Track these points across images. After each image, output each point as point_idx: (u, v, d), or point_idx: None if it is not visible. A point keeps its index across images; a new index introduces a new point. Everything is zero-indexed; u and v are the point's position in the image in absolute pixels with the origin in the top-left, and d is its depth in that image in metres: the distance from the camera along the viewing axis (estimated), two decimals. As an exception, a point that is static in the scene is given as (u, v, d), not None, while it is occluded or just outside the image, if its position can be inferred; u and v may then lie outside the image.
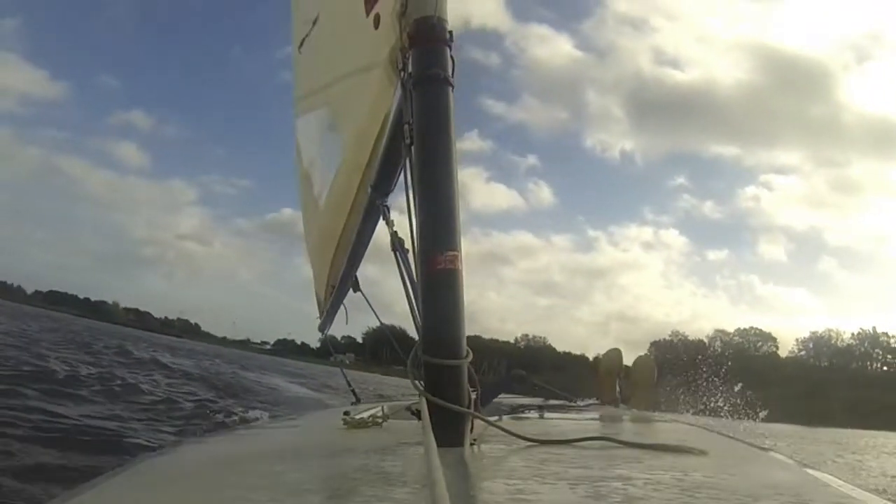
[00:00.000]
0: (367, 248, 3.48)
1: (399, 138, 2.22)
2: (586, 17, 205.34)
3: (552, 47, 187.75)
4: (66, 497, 1.54)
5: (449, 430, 1.66)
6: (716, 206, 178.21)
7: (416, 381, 1.80)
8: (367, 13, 2.48)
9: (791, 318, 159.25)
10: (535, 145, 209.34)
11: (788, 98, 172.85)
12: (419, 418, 1.61)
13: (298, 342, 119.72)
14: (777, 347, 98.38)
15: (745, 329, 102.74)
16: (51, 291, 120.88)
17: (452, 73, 2.05)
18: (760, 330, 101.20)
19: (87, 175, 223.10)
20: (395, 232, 2.37)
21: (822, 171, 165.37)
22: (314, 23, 3.43)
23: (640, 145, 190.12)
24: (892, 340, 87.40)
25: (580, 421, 3.08)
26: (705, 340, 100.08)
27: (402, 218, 2.18)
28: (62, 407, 7.45)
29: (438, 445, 1.22)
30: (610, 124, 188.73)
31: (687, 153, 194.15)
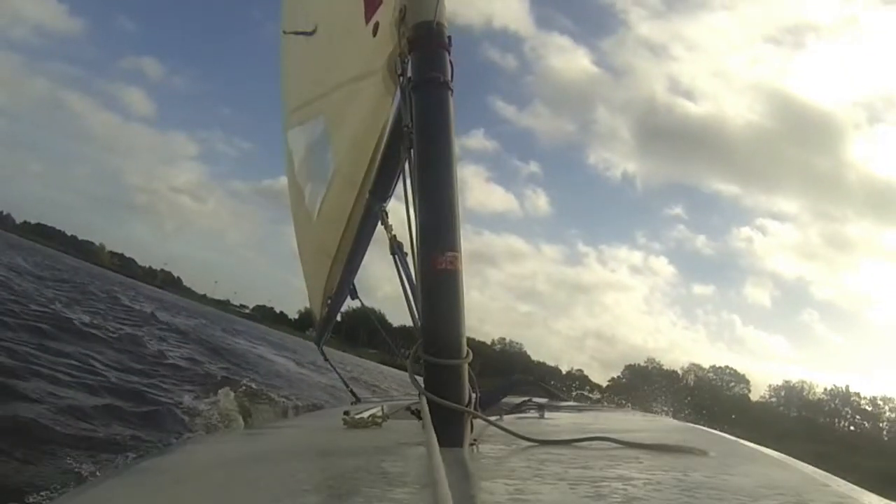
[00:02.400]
0: (364, 255, 3.43)
1: (397, 143, 2.23)
2: (608, 35, 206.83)
3: (570, 59, 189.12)
4: (67, 496, 1.53)
5: (449, 430, 1.66)
6: (708, 241, 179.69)
7: (417, 381, 1.81)
8: (367, 21, 2.49)
9: (766, 363, 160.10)
10: (538, 153, 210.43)
11: (795, 146, 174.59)
12: (419, 418, 1.61)
13: (277, 311, 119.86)
14: (749, 390, 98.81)
15: (720, 367, 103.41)
16: (39, 224, 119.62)
17: (452, 78, 2.06)
18: (735, 370, 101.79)
19: (91, 114, 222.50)
20: (394, 236, 2.36)
21: (819, 224, 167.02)
22: (311, 33, 3.38)
23: (642, 169, 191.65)
24: (862, 402, 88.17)
25: (580, 421, 3.04)
26: (679, 372, 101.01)
27: (399, 221, 2.15)
28: (88, 352, 7.87)
29: (439, 445, 1.22)
30: (616, 144, 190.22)
31: (687, 185, 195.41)
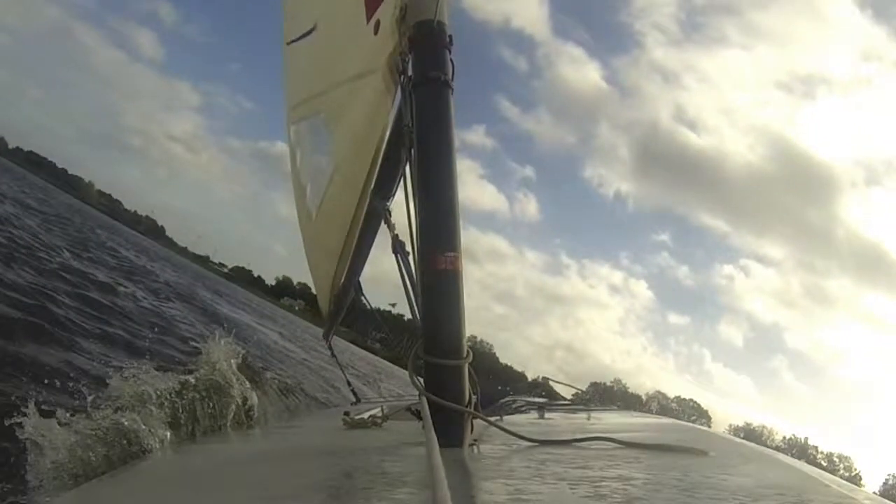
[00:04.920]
0: (369, 253, 3.41)
1: (399, 142, 2.23)
2: (622, 53, 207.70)
3: (581, 71, 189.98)
4: (67, 496, 1.58)
5: (449, 430, 1.66)
6: (690, 272, 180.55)
7: (417, 381, 1.81)
8: (368, 19, 2.48)
9: (730, 401, 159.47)
10: (535, 158, 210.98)
11: (790, 194, 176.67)
12: (419, 418, 1.63)
13: (255, 274, 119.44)
14: (710, 427, 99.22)
15: (684, 399, 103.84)
16: (31, 152, 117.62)
17: (453, 77, 2.06)
18: (698, 404, 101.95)
19: (99, 49, 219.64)
20: (397, 235, 2.34)
21: (801, 274, 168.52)
22: (312, 30, 3.38)
23: (635, 191, 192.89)
24: (819, 456, 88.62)
25: (580, 421, 3.05)
26: (643, 397, 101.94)
27: (402, 220, 2.16)
28: (110, 305, 8.34)
29: (439, 445, 1.23)
30: (613, 162, 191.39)
31: (678, 214, 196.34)
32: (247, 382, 4.91)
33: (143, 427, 2.84)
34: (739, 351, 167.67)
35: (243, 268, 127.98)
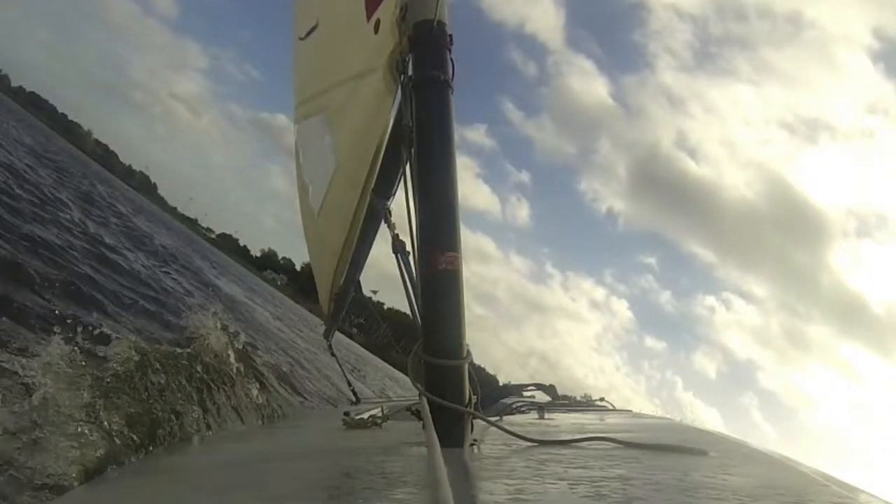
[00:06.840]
0: (369, 253, 3.39)
1: (399, 141, 2.22)
2: (632, 72, 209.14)
3: (589, 84, 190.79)
4: (68, 496, 1.57)
5: (449, 431, 1.66)
6: (672, 298, 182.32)
7: (417, 382, 1.81)
8: (368, 18, 2.49)
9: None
10: (533, 164, 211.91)
11: (781, 234, 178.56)
12: (419, 418, 1.63)
13: (241, 244, 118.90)
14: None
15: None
16: (33, 93, 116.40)
17: (453, 77, 2.06)
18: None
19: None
20: (397, 234, 2.34)
21: (782, 315, 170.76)
22: (314, 28, 3.40)
23: (627, 210, 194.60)
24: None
25: (580, 421, 3.05)
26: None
27: (402, 220, 2.15)
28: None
29: (439, 446, 1.23)
30: (610, 179, 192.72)
31: (667, 239, 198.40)
32: (243, 371, 4.91)
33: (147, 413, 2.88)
34: (711, 383, 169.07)
35: (230, 235, 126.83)
